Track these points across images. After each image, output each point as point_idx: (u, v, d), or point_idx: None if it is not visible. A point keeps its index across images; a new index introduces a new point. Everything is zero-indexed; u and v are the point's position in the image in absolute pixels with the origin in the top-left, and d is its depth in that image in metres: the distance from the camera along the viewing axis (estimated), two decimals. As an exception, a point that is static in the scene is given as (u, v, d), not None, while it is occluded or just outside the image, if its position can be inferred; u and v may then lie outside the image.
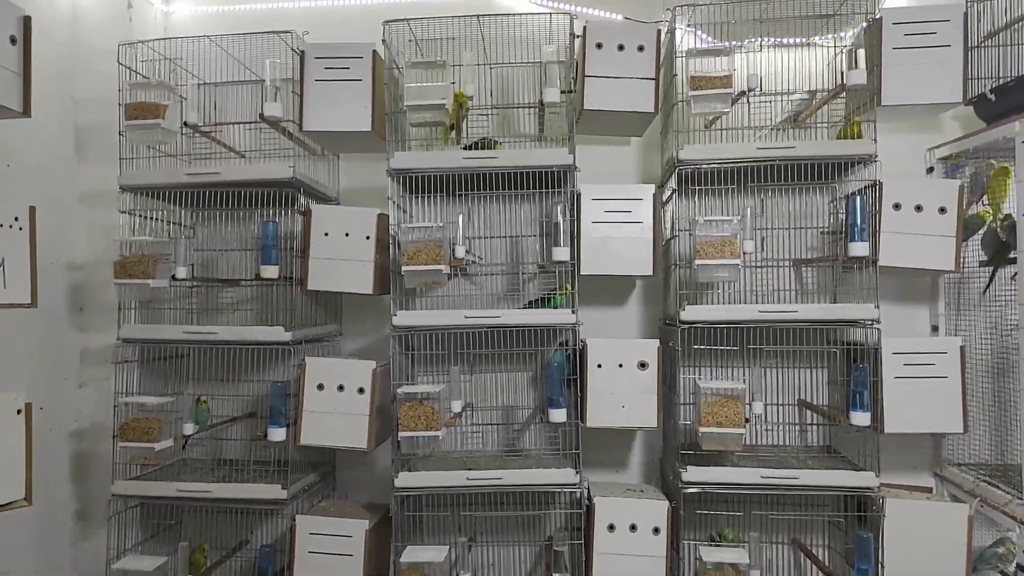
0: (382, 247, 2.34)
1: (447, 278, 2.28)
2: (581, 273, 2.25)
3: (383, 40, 2.30)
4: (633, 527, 2.20)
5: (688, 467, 2.19)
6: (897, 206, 2.20)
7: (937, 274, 2.44)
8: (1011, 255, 2.29)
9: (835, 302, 2.49)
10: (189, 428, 2.31)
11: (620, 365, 2.24)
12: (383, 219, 2.34)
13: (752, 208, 2.21)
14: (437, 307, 2.58)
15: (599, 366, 2.25)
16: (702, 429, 2.11)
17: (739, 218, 2.14)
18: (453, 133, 2.40)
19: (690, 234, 2.22)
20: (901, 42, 2.18)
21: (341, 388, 2.28)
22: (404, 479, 2.22)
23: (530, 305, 2.46)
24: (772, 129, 2.47)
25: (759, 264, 2.47)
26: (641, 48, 2.25)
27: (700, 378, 2.30)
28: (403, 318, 2.26)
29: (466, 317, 2.24)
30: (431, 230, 2.22)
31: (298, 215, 2.37)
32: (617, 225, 2.27)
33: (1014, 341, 2.41)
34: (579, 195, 2.28)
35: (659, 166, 2.66)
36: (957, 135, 2.49)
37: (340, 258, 2.33)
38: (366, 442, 2.25)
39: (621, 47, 2.26)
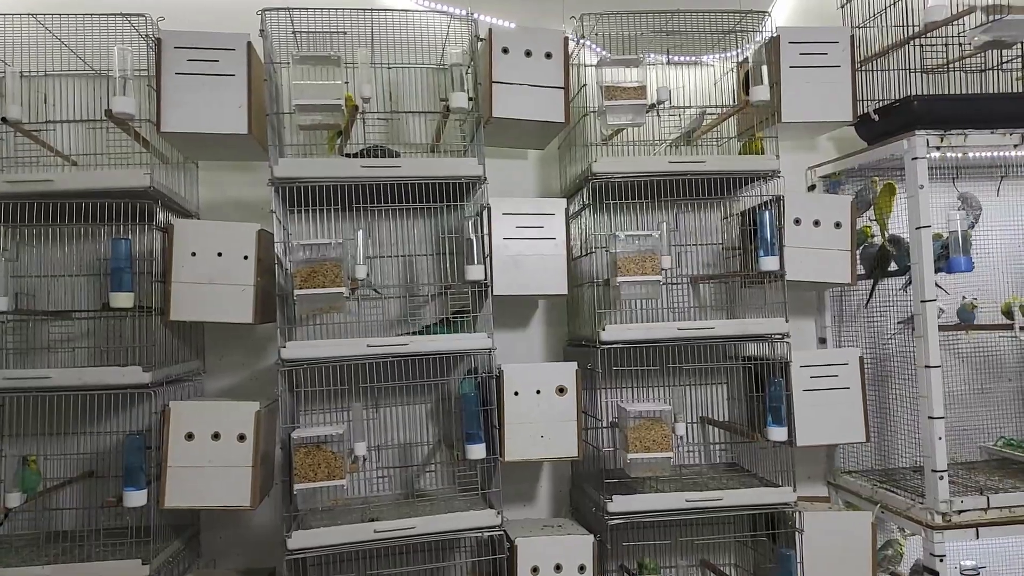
0: (264, 268, 2.01)
1: (346, 302, 2.00)
2: (494, 293, 2.07)
3: (261, 31, 2.00)
4: (558, 567, 2.03)
5: (613, 497, 2.06)
6: (798, 221, 2.24)
7: (829, 287, 2.52)
8: (890, 268, 2.42)
9: (730, 317, 2.50)
10: (15, 498, 1.84)
11: (538, 391, 2.08)
12: (264, 236, 2.02)
13: (667, 223, 2.15)
14: (328, 335, 2.28)
15: (516, 394, 2.07)
16: (630, 456, 1.99)
17: (659, 233, 2.07)
18: (340, 140, 2.13)
19: (607, 251, 2.12)
20: (797, 60, 2.23)
21: (216, 436, 1.92)
22: (300, 539, 1.90)
23: (427, 330, 2.24)
24: (668, 145, 2.45)
25: (674, 281, 2.42)
26: (549, 55, 2.13)
27: (621, 401, 2.20)
28: (294, 350, 1.95)
29: (369, 346, 1.97)
30: (326, 248, 1.93)
31: (156, 232, 1.99)
32: (530, 242, 2.11)
33: (898, 348, 2.55)
34: (489, 209, 2.10)
35: (557, 180, 2.55)
36: (832, 155, 2.62)
37: (212, 282, 1.97)
38: (250, 499, 1.90)
39: (528, 53, 2.12)
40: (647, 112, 2.14)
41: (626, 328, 2.11)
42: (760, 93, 2.13)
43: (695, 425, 2.49)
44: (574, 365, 2.10)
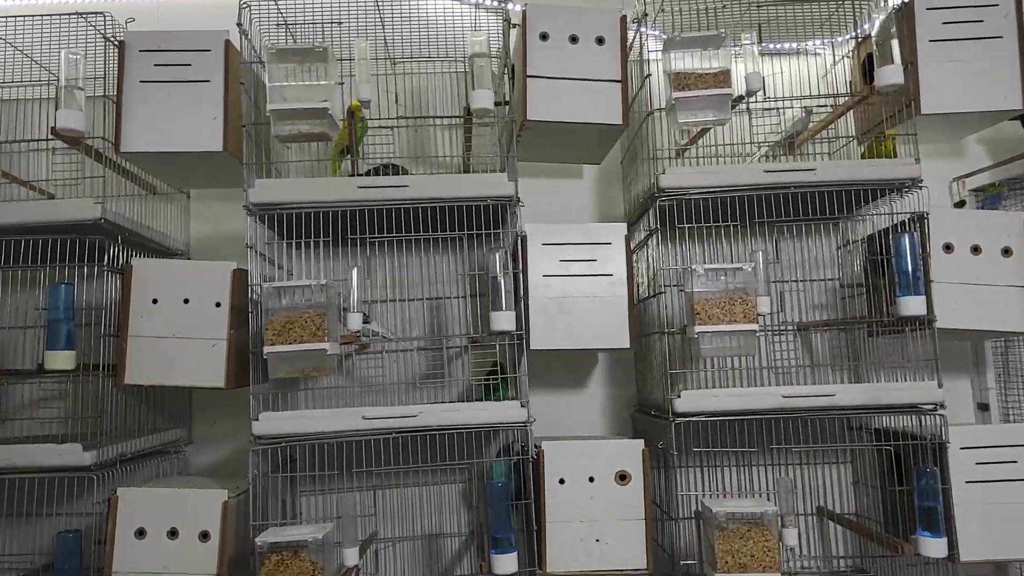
0: (240, 318, 1.60)
1: (336, 362, 1.56)
2: (531, 348, 1.58)
3: (239, 25, 1.62)
4: None
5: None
6: (948, 247, 1.65)
7: (994, 336, 1.89)
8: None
9: (854, 380, 1.90)
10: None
11: (591, 479, 1.55)
12: (240, 277, 1.61)
13: (764, 252, 1.60)
14: (323, 403, 1.84)
15: (561, 482, 1.55)
16: (719, 576, 1.43)
17: (753, 265, 1.53)
18: (347, 158, 1.72)
19: (682, 290, 1.59)
20: (940, 32, 1.65)
21: (174, 534, 1.50)
22: None
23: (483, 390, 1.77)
24: (763, 154, 1.90)
25: (775, 328, 1.85)
26: (601, 41, 1.66)
27: (702, 494, 1.64)
28: (268, 423, 1.51)
29: (365, 419, 1.52)
30: (309, 290, 1.50)
31: (112, 275, 1.62)
32: (580, 280, 1.61)
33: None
34: (524, 238, 1.62)
35: (622, 205, 2.05)
36: (983, 161, 2.00)
37: (175, 335, 1.57)
38: (210, 621, 1.46)
39: (574, 39, 1.65)
40: (733, 107, 1.61)
41: (710, 395, 1.57)
42: (889, 75, 1.57)
43: (809, 518, 1.88)
44: (640, 444, 1.57)
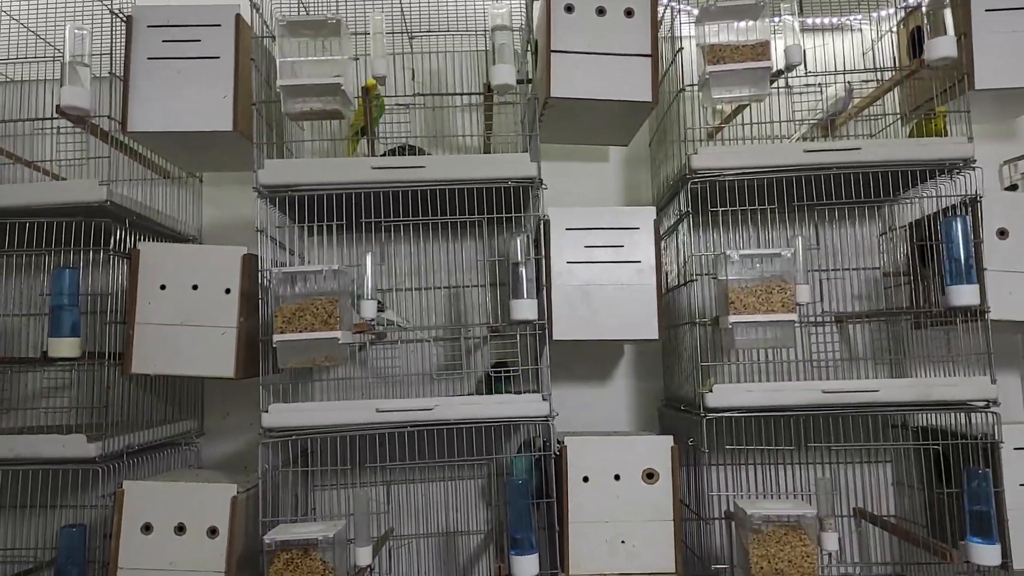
0: (251, 305, 1.53)
1: (348, 352, 1.49)
2: (553, 338, 1.50)
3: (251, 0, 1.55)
4: None
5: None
6: (1003, 233, 1.53)
7: (1048, 329, 1.77)
8: None
9: (897, 374, 1.79)
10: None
11: (616, 477, 1.47)
12: (251, 263, 1.54)
13: (803, 237, 1.50)
14: (338, 395, 1.77)
15: (585, 479, 1.47)
16: (754, 584, 1.34)
17: (791, 252, 1.43)
18: (364, 139, 1.64)
19: (714, 278, 1.50)
20: (996, 1, 1.54)
21: (181, 529, 1.44)
22: None
23: (485, 384, 1.69)
24: (802, 134, 1.79)
25: (815, 319, 1.74)
26: (629, 12, 1.56)
27: (734, 494, 1.55)
28: (279, 415, 1.45)
29: (379, 411, 1.45)
30: (319, 277, 1.42)
31: (119, 260, 1.56)
32: (605, 267, 1.53)
33: None
34: (547, 223, 1.54)
35: (649, 190, 1.95)
36: (1037, 143, 1.88)
37: (184, 323, 1.51)
38: (219, 620, 1.40)
39: (601, 11, 1.55)
40: (771, 83, 1.51)
41: (744, 389, 1.47)
42: (941, 47, 1.46)
43: (847, 520, 1.78)
44: (669, 440, 1.48)
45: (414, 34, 1.73)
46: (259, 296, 1.49)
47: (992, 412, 1.45)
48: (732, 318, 1.40)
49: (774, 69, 1.47)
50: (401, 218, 1.60)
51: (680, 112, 1.58)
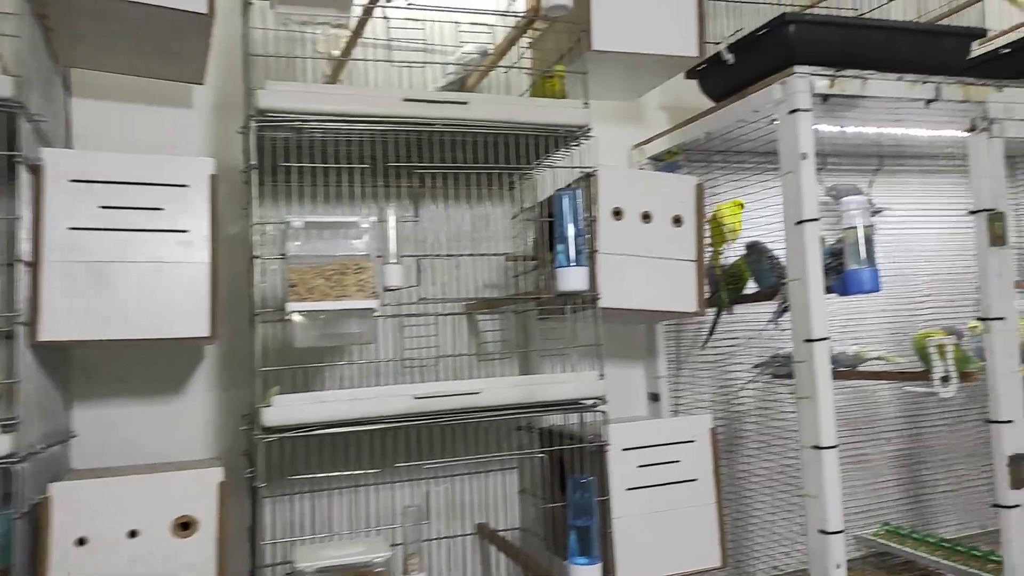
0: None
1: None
2: (39, 339, 1.02)
3: None
4: None
5: None
6: (618, 213, 1.40)
7: (665, 317, 1.70)
8: (747, 288, 1.65)
9: (525, 371, 1.62)
10: None
11: (133, 534, 1.04)
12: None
13: (396, 207, 1.21)
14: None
15: (81, 543, 1.02)
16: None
17: (373, 221, 1.12)
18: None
19: (282, 256, 1.14)
20: (614, -40, 1.40)
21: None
22: None
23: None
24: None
25: (418, 308, 1.46)
26: None
27: (301, 538, 1.21)
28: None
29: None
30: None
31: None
32: (131, 237, 1.09)
33: (755, 406, 1.79)
34: (37, 168, 1.06)
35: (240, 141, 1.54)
36: (665, 128, 1.83)
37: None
38: None
39: None
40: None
41: (316, 400, 1.11)
42: (557, -5, 1.26)
43: (469, 540, 1.55)
44: (217, 474, 1.09)
45: None
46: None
47: (600, 411, 1.30)
48: (291, 305, 1.05)
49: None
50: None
51: (247, 33, 1.19)
